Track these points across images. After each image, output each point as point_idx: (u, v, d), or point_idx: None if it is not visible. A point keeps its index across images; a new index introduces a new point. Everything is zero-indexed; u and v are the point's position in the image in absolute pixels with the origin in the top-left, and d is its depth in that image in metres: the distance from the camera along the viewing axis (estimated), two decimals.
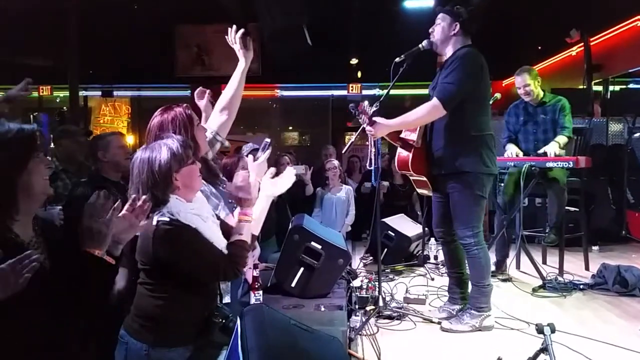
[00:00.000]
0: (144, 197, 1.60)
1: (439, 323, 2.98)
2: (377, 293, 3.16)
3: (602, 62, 7.26)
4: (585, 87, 7.09)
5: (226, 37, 2.35)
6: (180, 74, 10.25)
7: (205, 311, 1.79)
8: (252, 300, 2.40)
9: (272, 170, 2.03)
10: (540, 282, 3.76)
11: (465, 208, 2.89)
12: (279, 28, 6.39)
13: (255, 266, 2.45)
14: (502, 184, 4.24)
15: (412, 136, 3.05)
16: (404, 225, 4.68)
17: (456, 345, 2.74)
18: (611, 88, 7.71)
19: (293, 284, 2.86)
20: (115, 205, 1.49)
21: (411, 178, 3.20)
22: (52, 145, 3.76)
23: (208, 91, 2.57)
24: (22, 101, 3.06)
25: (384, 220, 4.32)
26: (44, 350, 1.41)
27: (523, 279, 4.08)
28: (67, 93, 8.77)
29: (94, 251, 1.44)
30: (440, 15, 2.95)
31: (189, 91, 10.46)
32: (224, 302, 2.23)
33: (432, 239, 4.57)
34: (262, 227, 2.04)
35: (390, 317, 3.07)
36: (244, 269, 1.94)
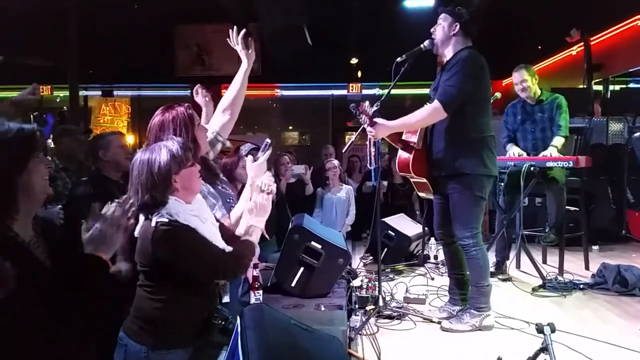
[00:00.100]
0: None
1: (439, 323, 2.98)
2: (377, 293, 3.16)
3: (602, 61, 7.25)
4: (585, 86, 7.09)
5: (228, 39, 2.37)
6: (180, 73, 10.25)
7: (205, 312, 1.79)
8: (252, 300, 2.40)
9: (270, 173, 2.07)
10: (540, 282, 3.76)
11: (464, 209, 2.90)
12: (279, 28, 6.39)
13: (255, 266, 2.45)
14: (502, 184, 4.25)
15: (413, 138, 3.06)
16: (404, 224, 4.69)
17: (456, 344, 2.75)
18: (611, 87, 7.70)
19: (293, 284, 2.86)
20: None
21: (412, 180, 3.20)
22: (51, 143, 3.76)
23: (198, 85, 2.62)
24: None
25: (384, 220, 4.33)
26: (44, 350, 1.41)
27: (523, 278, 4.09)
28: (67, 93, 8.76)
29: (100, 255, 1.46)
30: (442, 16, 2.96)
31: (189, 91, 10.45)
32: (222, 301, 2.23)
33: (432, 239, 4.57)
34: None
35: (390, 317, 3.07)
36: (244, 271, 1.95)
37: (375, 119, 2.90)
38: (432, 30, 2.99)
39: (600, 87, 7.69)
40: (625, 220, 5.59)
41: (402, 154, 3.11)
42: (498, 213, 4.31)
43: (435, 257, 4.57)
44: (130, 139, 10.47)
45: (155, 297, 1.71)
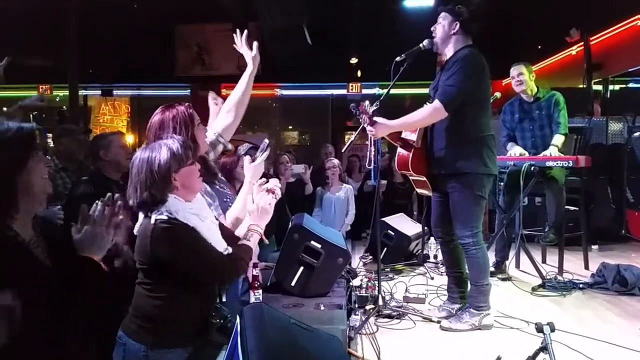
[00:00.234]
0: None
1: (439, 322, 2.98)
2: (376, 292, 3.16)
3: (602, 61, 7.25)
4: (585, 86, 7.10)
5: (234, 45, 2.39)
6: (180, 73, 10.26)
7: (204, 311, 1.79)
8: (252, 299, 2.40)
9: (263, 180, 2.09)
10: (539, 281, 3.76)
11: (464, 208, 2.90)
12: (279, 28, 6.40)
13: (254, 265, 2.45)
14: (502, 184, 4.25)
15: (412, 136, 3.06)
16: (404, 224, 4.69)
17: (456, 344, 2.75)
18: (611, 87, 7.70)
19: (293, 283, 2.86)
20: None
21: (411, 178, 3.21)
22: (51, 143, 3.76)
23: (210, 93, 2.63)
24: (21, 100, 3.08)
25: (383, 219, 4.33)
26: (44, 350, 1.41)
27: (523, 278, 4.09)
28: (67, 92, 8.76)
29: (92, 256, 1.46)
30: (442, 14, 2.96)
31: (189, 90, 10.48)
32: (222, 300, 2.24)
33: (432, 238, 4.57)
34: None
35: (389, 316, 3.07)
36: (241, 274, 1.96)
37: (375, 118, 2.90)
38: (432, 28, 3.00)
39: (599, 87, 7.69)
40: (624, 219, 5.59)
41: (401, 152, 3.12)
42: (498, 213, 4.31)
43: (435, 256, 4.56)
44: (129, 139, 10.48)
45: (154, 295, 1.70)
